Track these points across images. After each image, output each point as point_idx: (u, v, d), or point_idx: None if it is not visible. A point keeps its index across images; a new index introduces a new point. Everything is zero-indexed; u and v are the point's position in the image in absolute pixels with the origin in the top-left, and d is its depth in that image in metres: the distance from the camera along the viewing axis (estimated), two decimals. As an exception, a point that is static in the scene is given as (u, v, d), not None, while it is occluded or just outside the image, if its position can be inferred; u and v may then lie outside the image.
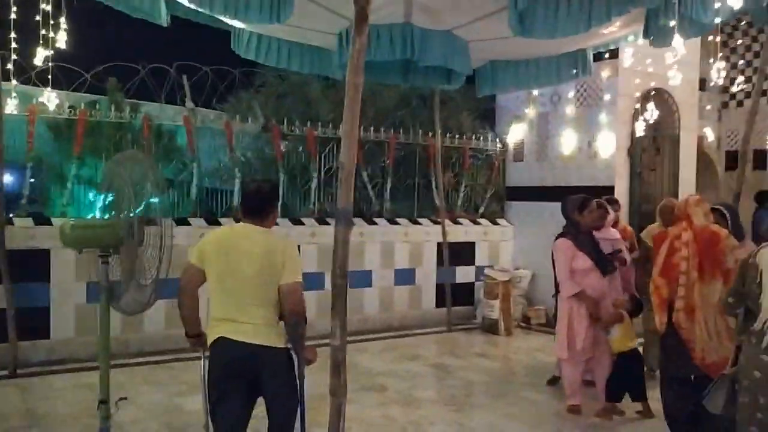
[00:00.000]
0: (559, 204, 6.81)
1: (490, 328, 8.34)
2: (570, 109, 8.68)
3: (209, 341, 3.26)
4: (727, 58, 10.43)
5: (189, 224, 7.09)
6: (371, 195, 8.58)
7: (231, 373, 3.17)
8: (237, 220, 6.90)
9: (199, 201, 7.58)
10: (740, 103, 10.46)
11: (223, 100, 9.12)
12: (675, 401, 4.41)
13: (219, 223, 7.26)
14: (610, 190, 8.13)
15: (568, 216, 5.30)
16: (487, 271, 8.63)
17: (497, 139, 9.59)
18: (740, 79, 10.11)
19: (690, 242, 4.32)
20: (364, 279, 8.24)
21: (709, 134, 10.29)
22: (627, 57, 8.15)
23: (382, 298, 8.38)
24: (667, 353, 4.44)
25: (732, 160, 10.56)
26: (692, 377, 4.31)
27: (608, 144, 8.23)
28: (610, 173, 8.23)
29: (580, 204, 5.25)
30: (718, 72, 8.50)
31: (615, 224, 5.98)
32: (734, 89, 10.45)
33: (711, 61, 7.68)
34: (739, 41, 10.17)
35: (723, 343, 4.26)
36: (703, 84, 9.57)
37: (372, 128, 8.46)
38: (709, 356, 4.24)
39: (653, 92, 8.35)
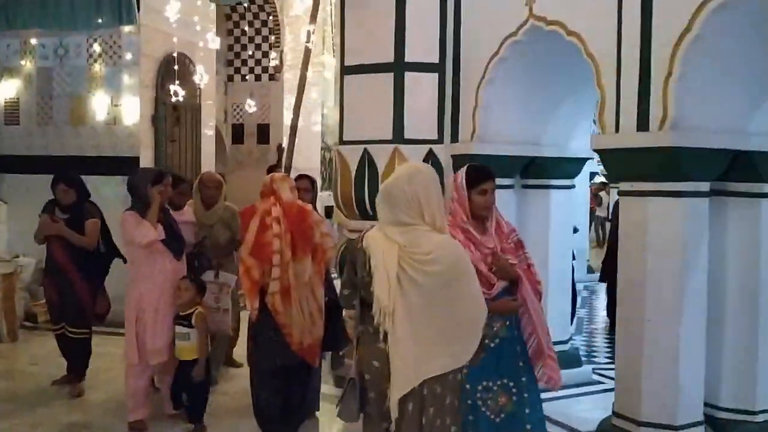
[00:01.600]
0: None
1: (-13, 334, 6.56)
2: (83, 67, 7.38)
3: None
4: (230, 31, 10.54)
5: None
6: None
7: None
8: None
9: None
10: (244, 78, 10.69)
11: None
12: (270, 397, 4.00)
13: None
14: (135, 161, 7.25)
15: (138, 190, 4.32)
16: (-21, 263, 6.75)
17: (-21, 95, 7.58)
18: (249, 53, 10.34)
19: (281, 218, 3.95)
20: None
21: (251, 106, 10.23)
22: (149, 13, 7.31)
23: None
24: (261, 344, 3.98)
25: (237, 133, 10.76)
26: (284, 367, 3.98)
27: (132, 110, 7.28)
28: (134, 142, 7.30)
29: (154, 178, 4.35)
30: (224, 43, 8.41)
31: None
32: (239, 63, 10.64)
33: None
34: (247, 12, 10.31)
35: (316, 323, 4.05)
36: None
37: None
38: (305, 339, 3.96)
39: (176, 56, 7.72)
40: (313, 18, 5.60)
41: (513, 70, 4.73)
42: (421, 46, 5.06)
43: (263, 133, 10.62)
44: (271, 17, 10.35)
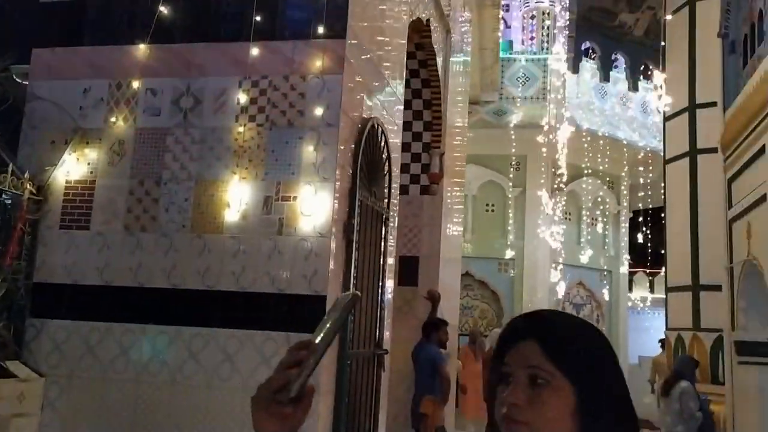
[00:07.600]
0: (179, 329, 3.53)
1: None
2: (226, 128, 4.07)
3: None
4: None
5: None
6: None
7: None
8: None
9: None
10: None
11: None
12: None
13: None
14: (317, 302, 3.79)
15: None
16: None
17: (25, 176, 4.13)
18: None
19: None
20: None
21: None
22: (356, 37, 4.18)
23: None
24: None
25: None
26: None
27: (317, 209, 3.90)
28: (318, 268, 3.84)
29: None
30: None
31: None
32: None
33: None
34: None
35: None
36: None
37: None
38: None
39: (371, 124, 4.48)
40: None
41: None
42: None
43: (409, 270, 6.98)
44: (430, 110, 7.20)
